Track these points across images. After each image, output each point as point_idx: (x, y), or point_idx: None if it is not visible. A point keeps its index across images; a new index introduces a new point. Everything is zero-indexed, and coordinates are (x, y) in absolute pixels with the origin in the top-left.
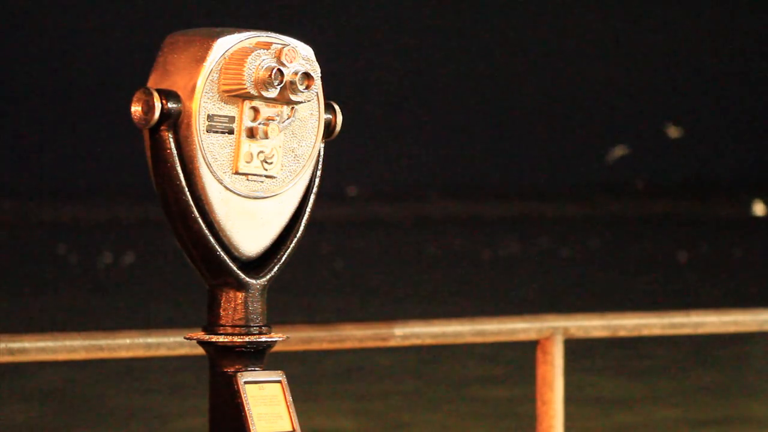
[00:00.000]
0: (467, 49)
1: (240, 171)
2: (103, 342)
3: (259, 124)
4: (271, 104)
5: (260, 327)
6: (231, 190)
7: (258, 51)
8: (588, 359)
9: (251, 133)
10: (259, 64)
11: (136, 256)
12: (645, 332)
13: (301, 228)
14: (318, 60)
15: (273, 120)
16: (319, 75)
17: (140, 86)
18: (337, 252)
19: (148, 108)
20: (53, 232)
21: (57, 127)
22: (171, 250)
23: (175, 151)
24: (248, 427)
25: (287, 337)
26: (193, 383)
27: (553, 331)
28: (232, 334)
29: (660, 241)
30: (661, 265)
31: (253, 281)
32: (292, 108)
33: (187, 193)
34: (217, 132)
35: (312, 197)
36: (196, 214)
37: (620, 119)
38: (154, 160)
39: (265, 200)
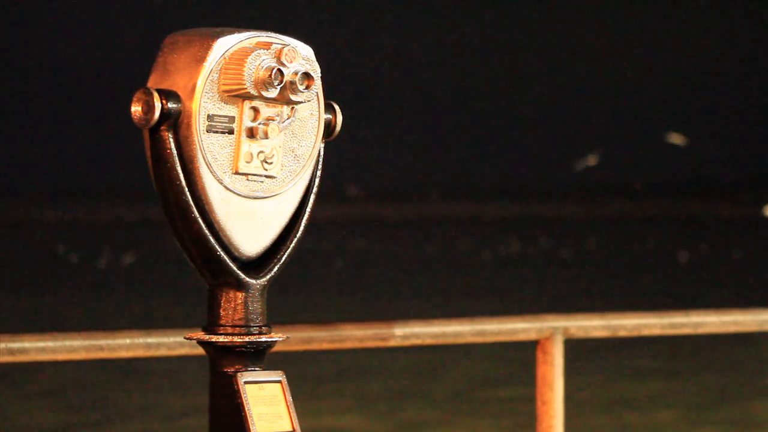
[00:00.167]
0: (467, 49)
1: (240, 171)
2: (103, 342)
3: (259, 124)
4: (271, 104)
5: (260, 327)
6: (231, 190)
7: (258, 51)
8: (589, 360)
9: (251, 133)
10: (259, 64)
11: (136, 256)
12: (645, 332)
13: (301, 228)
14: (318, 60)
15: (273, 120)
16: (319, 75)
17: (140, 86)
18: (337, 252)
19: (148, 108)
20: (53, 232)
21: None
22: (171, 250)
23: (175, 151)
24: (248, 427)
25: (287, 337)
26: (193, 383)
27: (553, 331)
28: (232, 334)
29: (660, 241)
30: (661, 265)
31: (253, 281)
32: (292, 108)
33: (187, 193)
34: (217, 132)
35: (312, 197)
36: (196, 214)
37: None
38: (154, 160)
39: (265, 200)
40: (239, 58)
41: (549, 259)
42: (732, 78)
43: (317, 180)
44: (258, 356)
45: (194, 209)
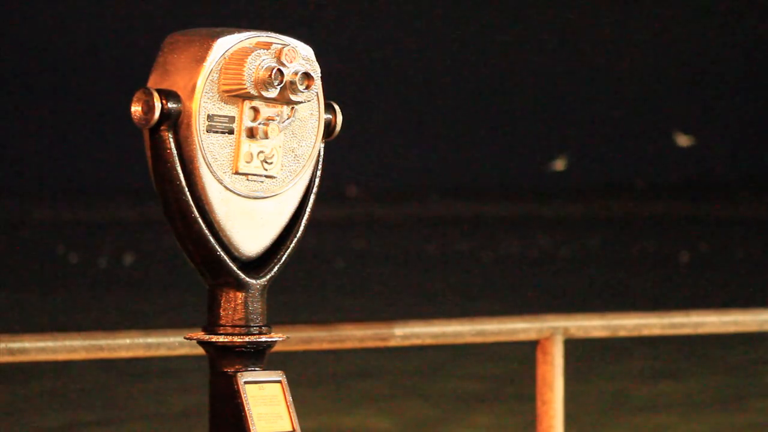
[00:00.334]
0: (468, 49)
1: (240, 171)
2: (103, 342)
3: (259, 124)
4: (271, 104)
5: (260, 327)
6: (231, 190)
7: (258, 51)
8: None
9: (251, 133)
10: (259, 64)
11: (136, 256)
12: (645, 332)
13: (301, 228)
14: (318, 60)
15: (273, 120)
16: (319, 75)
17: (140, 86)
18: (337, 252)
19: (148, 108)
20: (53, 232)
21: (57, 127)
22: (171, 250)
23: (175, 151)
24: (248, 427)
25: (287, 337)
26: (193, 383)
27: (553, 331)
28: (232, 334)
29: (660, 241)
30: (661, 265)
31: (253, 281)
32: (292, 108)
33: (187, 193)
34: (217, 132)
35: (312, 197)
36: (196, 214)
37: (620, 119)
38: (154, 160)
39: (265, 200)
40: (239, 58)
41: (549, 259)
42: (732, 78)
43: (317, 180)
44: (258, 356)
45: (194, 209)
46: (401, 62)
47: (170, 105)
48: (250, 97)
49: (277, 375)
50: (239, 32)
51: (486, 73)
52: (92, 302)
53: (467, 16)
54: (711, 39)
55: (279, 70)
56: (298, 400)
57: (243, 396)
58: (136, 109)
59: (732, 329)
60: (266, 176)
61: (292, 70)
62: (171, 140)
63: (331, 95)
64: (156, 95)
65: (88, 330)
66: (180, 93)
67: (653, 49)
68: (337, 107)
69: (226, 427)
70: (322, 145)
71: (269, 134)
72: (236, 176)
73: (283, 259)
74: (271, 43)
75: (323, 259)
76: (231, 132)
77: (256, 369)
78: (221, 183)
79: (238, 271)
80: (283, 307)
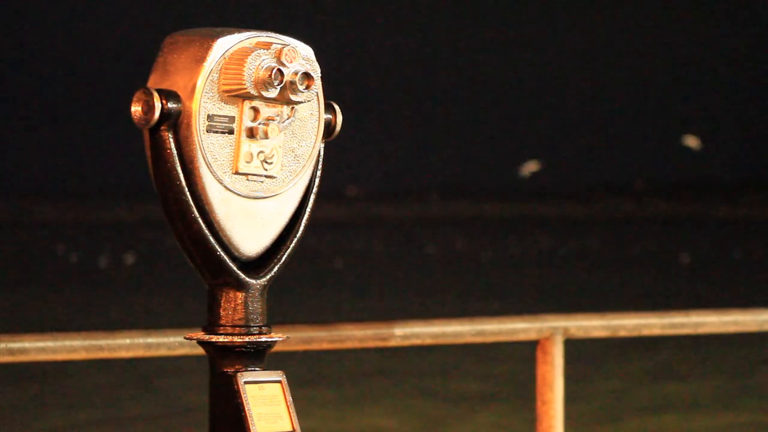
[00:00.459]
0: (468, 49)
1: (240, 171)
2: (103, 342)
3: (259, 124)
4: (271, 104)
5: (260, 327)
6: (231, 190)
7: (258, 51)
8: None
9: (251, 133)
10: (259, 64)
11: (136, 256)
12: (645, 332)
13: (301, 228)
14: (318, 60)
15: (273, 120)
16: (319, 75)
17: (140, 86)
18: (337, 252)
19: (148, 108)
20: (53, 232)
21: (57, 127)
22: (171, 250)
23: (175, 151)
24: (248, 427)
25: (287, 337)
26: (193, 383)
27: (553, 331)
28: (232, 334)
29: (660, 241)
30: (661, 265)
31: (253, 281)
32: (292, 108)
33: (187, 193)
34: (217, 132)
35: (312, 197)
36: (196, 214)
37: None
38: (154, 160)
39: (265, 200)
40: (239, 58)
41: (549, 259)
42: (732, 78)
43: (317, 180)
44: (258, 356)
45: (194, 209)
46: (401, 62)
47: (170, 105)
48: (250, 97)
49: (277, 375)
50: (239, 32)
51: (486, 73)
52: (92, 302)
53: (469, 14)
54: (712, 39)
55: (279, 70)
56: (298, 400)
57: (243, 396)
58: (136, 109)
59: (732, 329)
60: (266, 176)
61: (292, 70)
62: (171, 140)
63: (331, 95)
64: (156, 95)
65: (88, 330)
66: (180, 93)
67: (653, 49)
68: (337, 107)
69: (226, 427)
70: (322, 145)
71: (269, 134)
72: (236, 176)
73: (284, 259)
74: (271, 43)
75: (323, 259)
76: (231, 132)
77: (256, 369)
78: (221, 183)
79: (238, 271)
80: (283, 307)
